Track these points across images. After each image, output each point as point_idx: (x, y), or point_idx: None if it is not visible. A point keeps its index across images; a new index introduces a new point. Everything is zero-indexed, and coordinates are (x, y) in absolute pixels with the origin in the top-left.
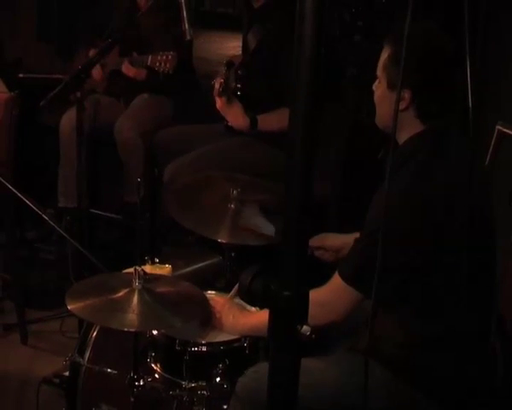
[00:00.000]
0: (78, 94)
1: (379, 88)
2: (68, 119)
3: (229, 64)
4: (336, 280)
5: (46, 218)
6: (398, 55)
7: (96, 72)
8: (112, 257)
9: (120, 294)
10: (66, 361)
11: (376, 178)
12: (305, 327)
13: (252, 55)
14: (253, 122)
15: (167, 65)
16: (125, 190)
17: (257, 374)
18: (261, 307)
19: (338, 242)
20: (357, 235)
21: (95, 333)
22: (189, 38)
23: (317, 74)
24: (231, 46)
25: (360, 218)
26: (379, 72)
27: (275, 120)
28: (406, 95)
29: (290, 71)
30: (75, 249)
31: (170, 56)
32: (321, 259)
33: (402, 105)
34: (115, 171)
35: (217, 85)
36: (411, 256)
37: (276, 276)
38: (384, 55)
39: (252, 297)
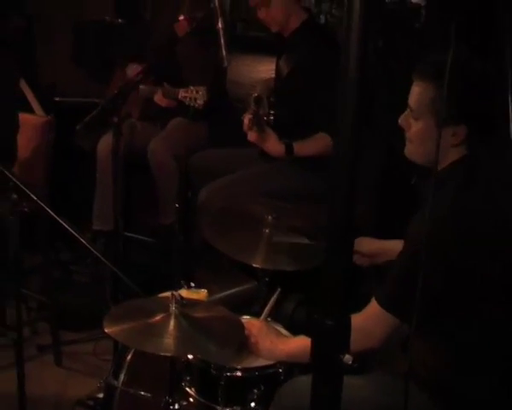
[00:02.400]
0: (116, 119)
1: (418, 125)
2: (106, 143)
3: (258, 100)
4: (374, 306)
5: (83, 241)
6: (446, 92)
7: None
8: (146, 280)
9: (157, 318)
10: (100, 384)
11: (411, 203)
12: (346, 356)
13: (284, 82)
14: (289, 149)
15: (197, 101)
16: (160, 213)
17: (295, 389)
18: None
19: (373, 247)
20: (393, 242)
21: (130, 356)
22: (226, 65)
23: (363, 99)
24: (263, 69)
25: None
26: (418, 109)
27: (311, 146)
28: (461, 130)
29: (322, 98)
30: (110, 272)
31: (200, 92)
32: (355, 263)
33: (455, 140)
34: (149, 194)
35: (246, 121)
36: (448, 283)
37: (319, 304)
38: (425, 93)
39: (294, 326)
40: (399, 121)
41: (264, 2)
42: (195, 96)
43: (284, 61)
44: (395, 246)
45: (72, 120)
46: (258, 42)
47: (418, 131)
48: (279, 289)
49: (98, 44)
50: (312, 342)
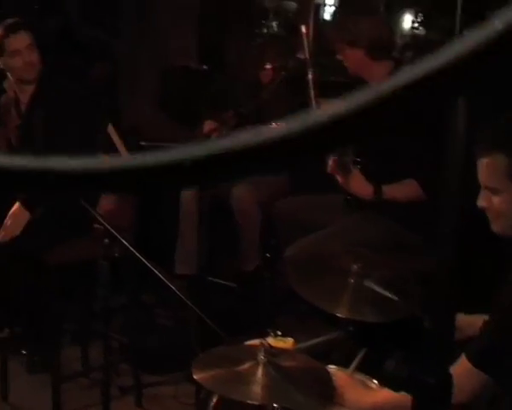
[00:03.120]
0: None
1: (501, 198)
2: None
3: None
4: (464, 362)
5: (171, 286)
6: None
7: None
8: (228, 325)
9: (245, 366)
10: None
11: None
12: None
13: None
14: (377, 190)
15: None
16: (242, 259)
17: None
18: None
19: (459, 321)
20: (479, 318)
21: (214, 402)
22: None
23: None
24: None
25: (477, 297)
26: (495, 183)
27: (400, 190)
28: None
29: (411, 146)
30: (193, 316)
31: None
32: None
33: None
34: (232, 239)
35: (331, 163)
36: None
37: (420, 360)
38: (496, 164)
39: (395, 383)
40: (478, 204)
41: (348, 41)
42: None
43: None
44: (476, 321)
45: None
46: (337, 86)
47: (503, 203)
48: (368, 342)
49: (183, 90)
50: (414, 399)
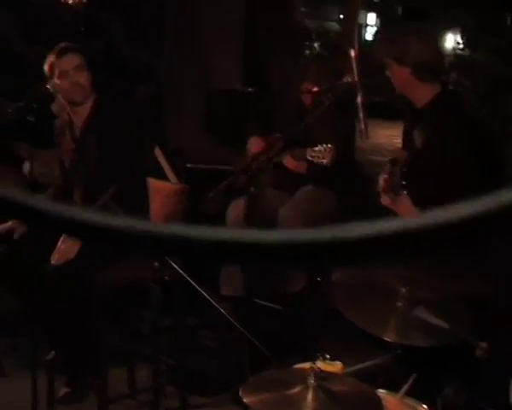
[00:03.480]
0: (252, 188)
1: None
2: (235, 208)
3: (394, 161)
4: None
5: (218, 307)
6: None
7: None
8: (274, 347)
9: (295, 390)
10: None
11: None
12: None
13: (417, 154)
14: None
15: (325, 158)
16: (288, 281)
17: None
18: None
19: None
20: None
21: None
22: (366, 138)
23: None
24: (383, 134)
25: None
26: None
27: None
28: None
29: (458, 171)
30: (241, 338)
31: (328, 150)
32: None
33: None
34: None
35: (381, 182)
36: None
37: (478, 389)
38: None
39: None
40: None
41: (395, 57)
42: (323, 154)
43: (417, 132)
44: None
45: (199, 186)
46: (377, 106)
47: None
48: (417, 366)
49: (229, 112)
50: None
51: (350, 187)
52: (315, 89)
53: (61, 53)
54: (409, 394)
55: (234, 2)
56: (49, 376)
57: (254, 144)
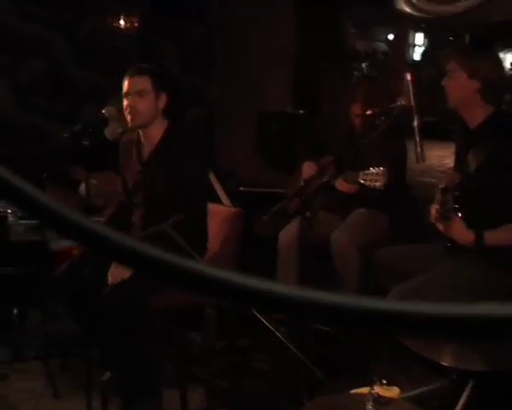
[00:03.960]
0: (308, 213)
1: None
2: (289, 231)
3: (445, 190)
4: None
5: (274, 330)
6: None
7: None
8: (327, 370)
9: None
10: None
11: None
12: None
13: (471, 177)
14: (479, 237)
15: (377, 181)
16: None
17: None
18: None
19: None
20: None
21: None
22: (423, 161)
23: None
24: (432, 155)
25: None
26: None
27: (503, 236)
28: None
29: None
30: (294, 360)
31: (380, 173)
32: None
33: None
34: (329, 282)
35: (433, 212)
36: None
37: None
38: None
39: None
40: None
41: (468, 70)
42: (376, 177)
43: (472, 154)
44: None
45: (250, 208)
46: (427, 127)
47: None
48: (471, 385)
49: (281, 135)
50: None
51: (402, 209)
52: (368, 112)
53: (130, 74)
54: None
55: (285, 25)
56: (104, 397)
57: (307, 169)
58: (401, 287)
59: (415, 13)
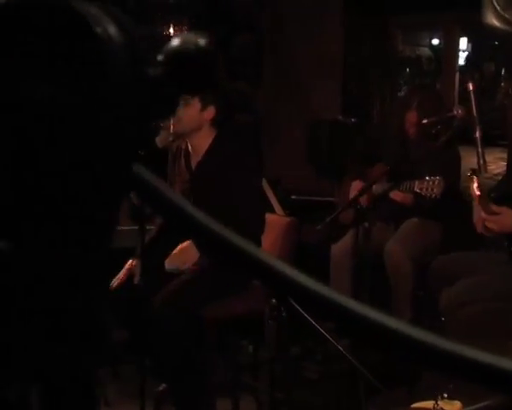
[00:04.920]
0: (367, 224)
1: None
2: (341, 242)
3: (474, 171)
4: None
5: (334, 342)
6: None
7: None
8: (380, 379)
9: None
10: None
11: None
12: None
13: None
14: None
15: (434, 190)
16: (393, 312)
17: None
18: None
19: None
20: None
21: None
22: (485, 172)
23: None
24: (474, 161)
25: None
26: None
27: None
28: None
29: None
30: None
31: (436, 182)
32: None
33: None
34: (382, 291)
35: (476, 191)
36: None
37: None
38: None
39: None
40: None
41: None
42: (432, 186)
43: None
44: None
45: (300, 217)
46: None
47: None
48: None
49: (331, 143)
50: None
51: (455, 218)
52: (424, 121)
53: None
54: None
55: (333, 33)
56: (157, 408)
57: (356, 187)
58: (453, 288)
59: (505, 27)
